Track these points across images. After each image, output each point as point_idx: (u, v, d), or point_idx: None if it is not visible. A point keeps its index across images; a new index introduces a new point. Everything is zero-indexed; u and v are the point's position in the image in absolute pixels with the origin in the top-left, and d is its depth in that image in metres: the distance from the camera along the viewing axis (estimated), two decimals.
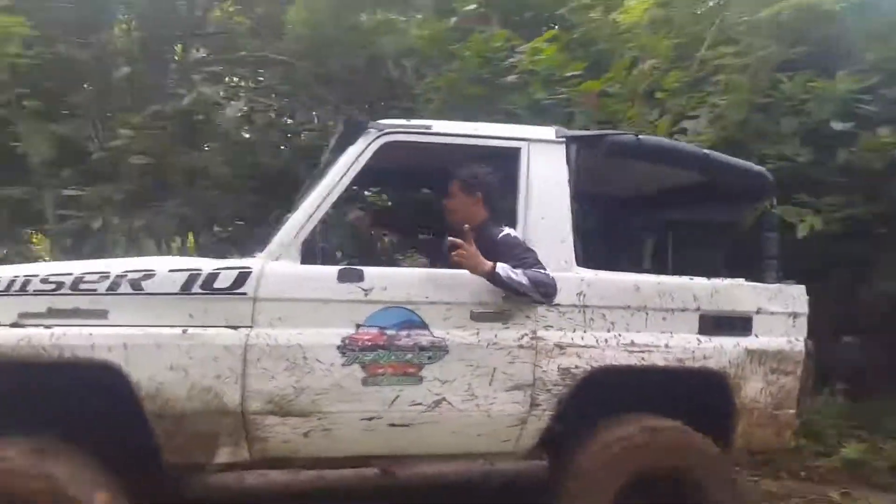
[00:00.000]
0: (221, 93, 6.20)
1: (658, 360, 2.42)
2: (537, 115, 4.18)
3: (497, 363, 2.24)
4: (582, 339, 2.33)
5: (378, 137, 2.39)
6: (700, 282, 2.57)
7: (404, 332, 2.19)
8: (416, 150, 2.57)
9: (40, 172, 6.33)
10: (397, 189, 4.34)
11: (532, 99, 4.32)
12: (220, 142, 6.11)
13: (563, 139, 2.57)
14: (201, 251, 7.48)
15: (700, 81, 4.53)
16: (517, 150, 2.50)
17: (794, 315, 2.68)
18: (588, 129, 3.62)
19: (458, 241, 2.21)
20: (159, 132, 5.71)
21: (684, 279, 2.60)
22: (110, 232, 6.26)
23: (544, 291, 2.25)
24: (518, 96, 4.35)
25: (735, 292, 2.60)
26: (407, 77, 5.51)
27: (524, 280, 2.22)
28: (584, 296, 2.37)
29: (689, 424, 2.55)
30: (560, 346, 2.30)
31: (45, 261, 9.26)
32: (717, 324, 2.55)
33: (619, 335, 2.41)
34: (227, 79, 6.79)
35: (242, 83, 6.95)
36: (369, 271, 2.26)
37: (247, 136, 6.21)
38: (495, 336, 2.25)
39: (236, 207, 6.57)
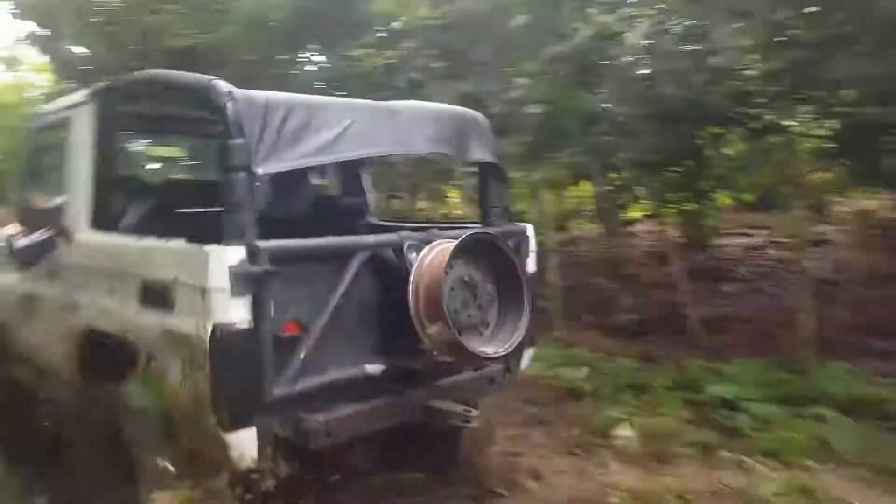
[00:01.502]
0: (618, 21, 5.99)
1: None
2: None
3: None
4: None
5: None
6: None
7: None
8: None
9: None
10: None
11: None
12: (616, 79, 5.97)
13: (90, 98, 2.63)
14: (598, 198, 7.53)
15: None
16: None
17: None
18: None
19: None
20: (554, 77, 5.93)
21: None
22: (511, 186, 6.93)
23: None
24: None
25: None
26: None
27: None
28: None
29: None
30: None
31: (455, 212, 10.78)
32: None
33: None
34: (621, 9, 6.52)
35: (636, 12, 6.55)
36: None
37: (645, 70, 5.87)
38: None
39: (634, 151, 6.34)
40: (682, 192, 9.80)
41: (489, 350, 2.82)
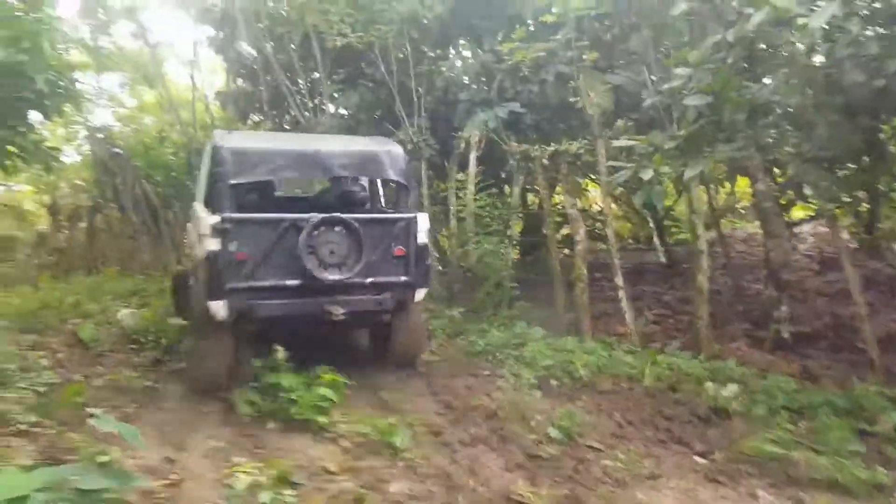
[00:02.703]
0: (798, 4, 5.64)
1: None
2: None
3: None
4: None
5: None
6: None
7: None
8: None
9: (596, 124, 7.37)
10: None
11: None
12: (789, 67, 5.64)
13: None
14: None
15: None
16: None
17: None
18: None
19: None
20: (718, 66, 5.73)
21: None
22: (660, 181, 6.73)
23: None
24: None
25: None
26: None
27: None
28: None
29: None
30: None
31: (597, 208, 10.49)
32: None
33: None
34: None
35: None
36: None
37: (820, 58, 5.51)
38: None
39: (804, 147, 5.96)
40: (857, 190, 8.88)
41: (332, 277, 5.27)
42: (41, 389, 4.79)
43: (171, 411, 5.16)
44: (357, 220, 5.29)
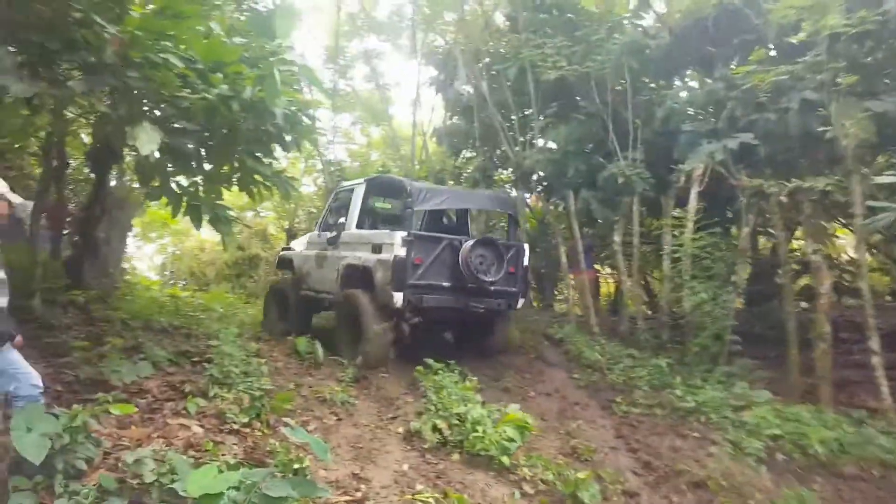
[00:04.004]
0: None
1: None
2: None
3: None
4: None
5: None
6: None
7: None
8: None
9: (851, 158, 6.34)
10: None
11: None
12: None
13: (363, 182, 8.10)
14: None
15: None
16: None
17: None
18: None
19: None
20: None
21: None
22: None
23: None
24: None
25: None
26: None
27: None
28: None
29: None
30: None
31: (847, 257, 8.84)
32: None
33: None
34: None
35: None
36: None
37: None
38: None
39: None
40: None
41: (487, 279, 6.96)
42: (257, 394, 5.05)
43: (364, 428, 5.24)
44: (499, 243, 7.29)
